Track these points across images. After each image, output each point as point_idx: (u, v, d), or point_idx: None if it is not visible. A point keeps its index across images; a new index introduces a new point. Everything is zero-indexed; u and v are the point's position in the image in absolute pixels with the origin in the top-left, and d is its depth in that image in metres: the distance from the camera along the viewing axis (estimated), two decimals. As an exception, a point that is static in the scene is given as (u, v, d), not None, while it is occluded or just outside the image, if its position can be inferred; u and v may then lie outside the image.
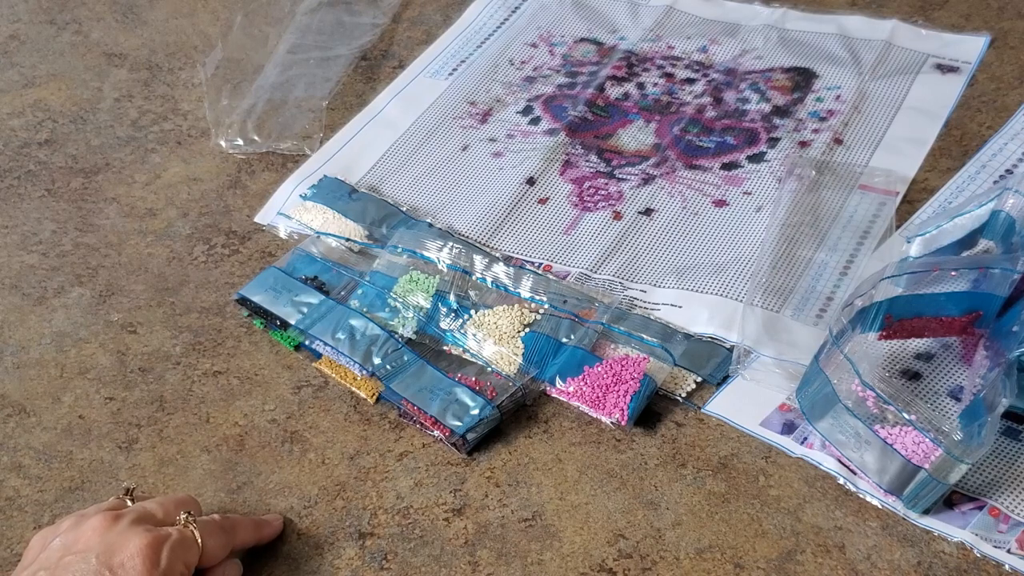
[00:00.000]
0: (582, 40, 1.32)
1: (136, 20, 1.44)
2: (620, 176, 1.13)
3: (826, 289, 0.98)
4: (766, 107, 1.19)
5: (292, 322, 0.99)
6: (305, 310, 0.99)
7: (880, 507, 0.82)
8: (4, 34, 1.43)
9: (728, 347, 0.95)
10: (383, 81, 1.29)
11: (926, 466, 0.79)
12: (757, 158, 1.13)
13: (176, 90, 1.31)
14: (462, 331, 0.97)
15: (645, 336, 0.95)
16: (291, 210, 1.12)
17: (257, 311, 1.01)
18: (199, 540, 0.75)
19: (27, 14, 1.46)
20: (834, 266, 1.00)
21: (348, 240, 1.07)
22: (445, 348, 0.97)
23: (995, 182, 1.06)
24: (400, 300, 1.00)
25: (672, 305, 0.99)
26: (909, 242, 0.93)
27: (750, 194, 1.09)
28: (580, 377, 0.92)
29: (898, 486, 0.81)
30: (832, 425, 0.84)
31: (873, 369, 0.81)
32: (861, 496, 0.83)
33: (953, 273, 0.88)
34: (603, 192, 1.11)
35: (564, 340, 0.95)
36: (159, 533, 0.73)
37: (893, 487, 0.82)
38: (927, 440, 0.78)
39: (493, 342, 0.96)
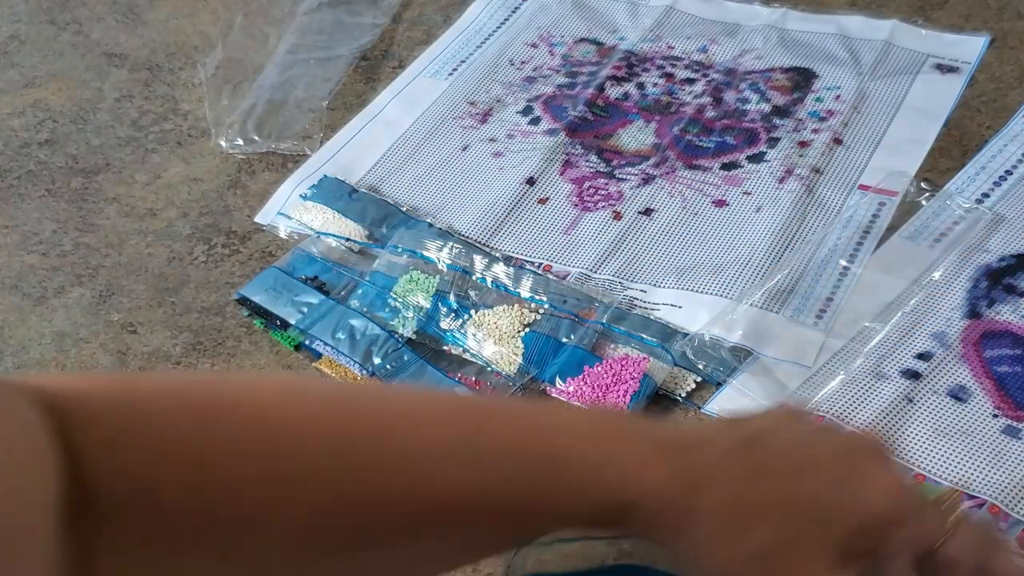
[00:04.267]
0: (582, 40, 1.32)
1: (136, 20, 1.43)
2: (620, 176, 1.13)
3: (825, 290, 0.98)
4: (766, 107, 1.19)
5: (292, 322, 0.99)
6: (305, 310, 0.99)
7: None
8: (4, 34, 1.43)
9: (728, 346, 0.95)
10: (383, 81, 1.29)
11: None
12: (757, 158, 1.13)
13: (176, 90, 1.31)
14: (462, 331, 0.97)
15: (645, 336, 0.95)
16: (291, 210, 1.12)
17: (257, 311, 1.01)
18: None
19: (27, 14, 1.46)
20: (834, 267, 1.00)
21: (348, 240, 1.07)
22: (445, 348, 0.97)
23: (995, 183, 1.06)
24: (400, 300, 1.00)
25: (672, 305, 0.99)
26: None
27: (750, 194, 1.09)
28: (580, 377, 0.92)
29: None
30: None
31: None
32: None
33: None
34: (603, 192, 1.11)
35: (564, 340, 0.95)
36: None
37: None
38: None
39: (493, 342, 0.96)
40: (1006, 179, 1.07)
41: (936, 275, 0.98)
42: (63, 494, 0.46)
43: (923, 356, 0.92)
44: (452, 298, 1.00)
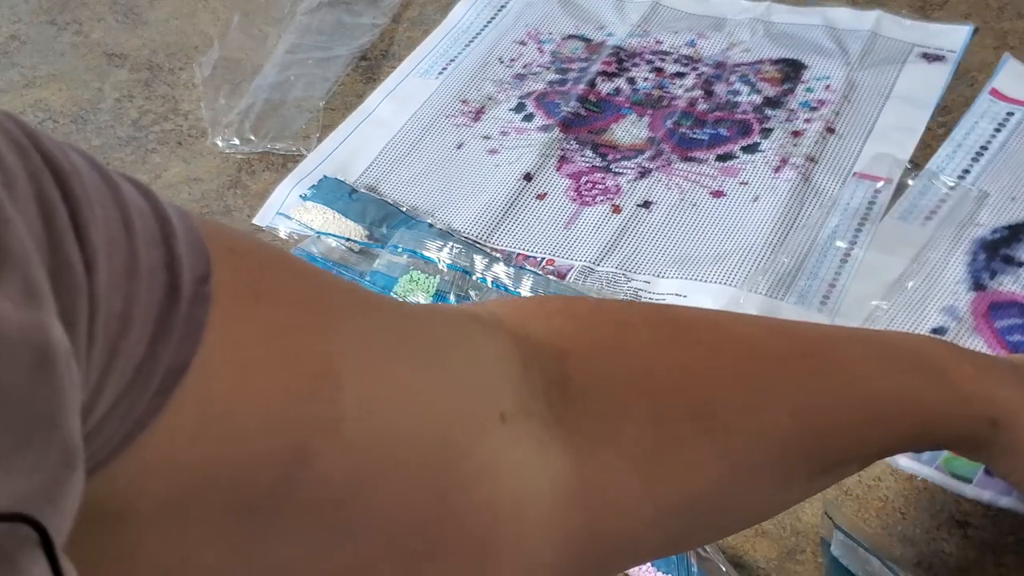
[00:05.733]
0: (570, 37, 1.32)
1: (136, 20, 1.44)
2: (616, 170, 1.14)
3: (828, 276, 0.99)
4: (757, 99, 1.20)
5: (297, 323, 1.00)
6: (309, 311, 1.00)
7: (880, 506, 0.83)
8: (4, 34, 1.43)
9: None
10: (383, 81, 1.29)
11: None
12: (751, 149, 1.14)
13: (176, 90, 1.32)
14: (464, 329, 0.98)
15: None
16: (291, 210, 1.13)
17: (262, 312, 1.02)
18: None
19: (27, 14, 1.47)
20: (835, 253, 1.01)
21: (348, 240, 1.08)
22: (448, 346, 0.98)
23: (973, 159, 1.07)
24: (400, 300, 1.01)
25: (676, 295, 1.00)
26: None
27: (746, 184, 1.11)
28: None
29: None
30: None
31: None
32: (861, 495, 0.84)
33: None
34: (600, 186, 1.13)
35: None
36: None
37: None
38: None
39: (495, 340, 0.97)
40: (983, 154, 1.08)
41: (933, 251, 1.00)
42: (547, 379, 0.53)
43: (938, 331, 0.93)
44: (452, 298, 1.01)
